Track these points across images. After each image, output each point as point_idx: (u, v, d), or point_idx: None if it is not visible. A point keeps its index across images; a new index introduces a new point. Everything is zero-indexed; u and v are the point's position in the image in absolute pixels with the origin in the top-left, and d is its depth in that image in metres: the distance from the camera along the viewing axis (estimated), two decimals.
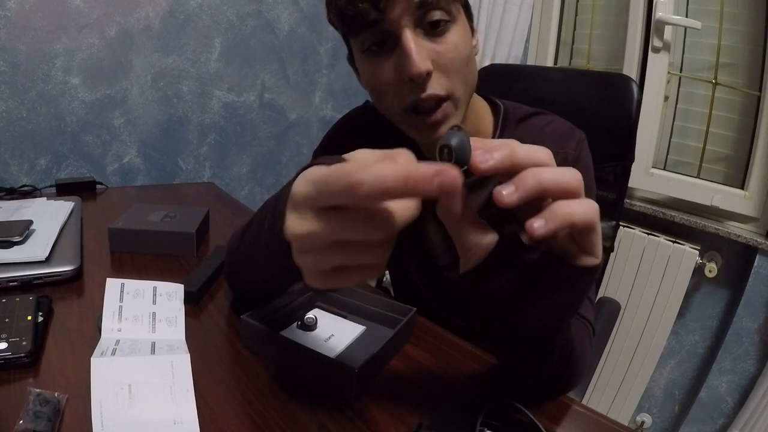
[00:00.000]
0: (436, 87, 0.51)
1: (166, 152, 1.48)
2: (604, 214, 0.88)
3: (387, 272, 1.19)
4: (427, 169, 0.24)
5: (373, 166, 0.24)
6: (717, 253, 1.45)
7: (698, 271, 1.44)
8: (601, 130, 0.81)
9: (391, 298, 0.70)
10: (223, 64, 1.51)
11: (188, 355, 0.48)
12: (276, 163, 1.74)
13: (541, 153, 0.29)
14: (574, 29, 1.79)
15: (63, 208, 0.83)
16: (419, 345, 0.58)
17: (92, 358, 0.44)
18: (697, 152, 1.53)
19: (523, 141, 0.30)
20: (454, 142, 0.27)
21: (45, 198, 0.90)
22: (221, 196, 1.15)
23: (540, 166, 0.29)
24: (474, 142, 0.28)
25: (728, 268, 1.45)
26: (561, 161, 0.30)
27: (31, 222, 0.72)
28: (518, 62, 1.73)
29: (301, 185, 0.29)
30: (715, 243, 1.44)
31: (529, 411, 0.43)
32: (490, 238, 0.31)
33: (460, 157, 0.27)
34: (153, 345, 0.49)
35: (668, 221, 1.50)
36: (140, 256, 0.75)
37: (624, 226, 1.54)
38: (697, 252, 1.41)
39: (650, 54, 1.51)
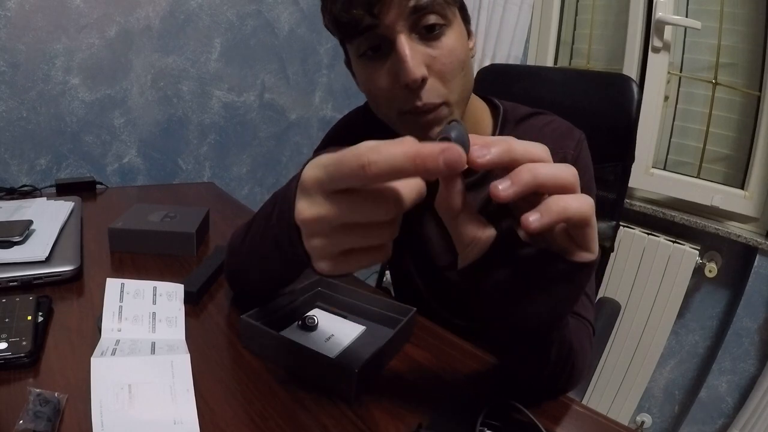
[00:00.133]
0: (431, 94, 0.51)
1: (166, 152, 1.49)
2: (605, 214, 0.88)
3: (387, 272, 1.19)
4: (434, 147, 0.25)
5: (382, 147, 0.26)
6: (717, 253, 1.45)
7: (698, 271, 1.44)
8: (601, 130, 0.81)
9: (391, 298, 0.70)
10: (223, 64, 1.51)
11: (188, 355, 0.48)
12: (276, 163, 1.74)
13: (537, 149, 0.30)
14: (574, 29, 1.79)
15: (63, 208, 0.83)
16: (419, 345, 0.58)
17: (92, 358, 0.44)
18: (697, 152, 1.53)
19: None
20: (453, 134, 0.27)
21: (45, 198, 0.90)
22: (221, 196, 1.15)
23: (536, 162, 0.29)
24: (472, 138, 0.29)
25: (728, 268, 1.45)
26: (560, 161, 0.31)
27: (31, 222, 0.72)
28: (518, 62, 1.73)
29: (312, 170, 0.30)
30: (715, 243, 1.44)
31: (529, 411, 0.43)
32: (488, 233, 0.32)
33: None
34: (153, 345, 0.49)
35: (668, 221, 1.50)
36: (140, 256, 0.75)
37: (624, 226, 1.54)
38: (697, 252, 1.41)
39: (650, 54, 1.51)
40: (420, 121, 0.53)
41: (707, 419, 1.51)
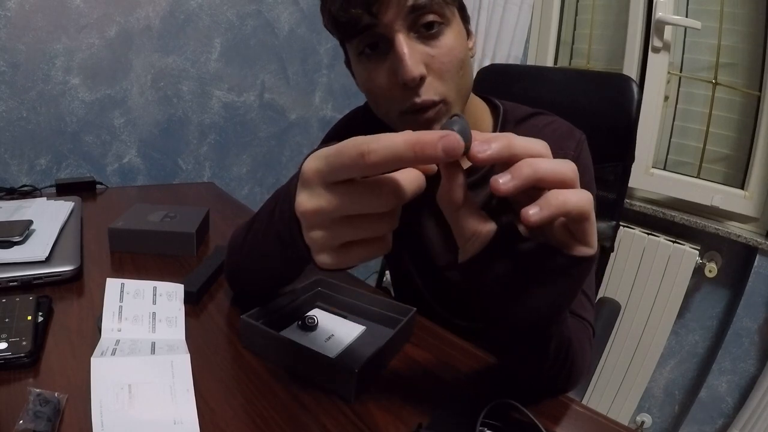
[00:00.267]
0: (430, 92, 0.51)
1: (166, 152, 1.48)
2: (605, 214, 0.88)
3: (387, 272, 1.19)
4: (432, 134, 0.26)
5: (382, 136, 0.26)
6: (717, 253, 1.45)
7: (698, 271, 1.44)
8: (601, 130, 0.81)
9: (391, 298, 0.70)
10: (223, 64, 1.51)
11: (188, 355, 0.48)
12: (276, 163, 1.74)
13: (537, 145, 0.30)
14: (574, 29, 1.79)
15: (63, 208, 0.83)
16: (419, 345, 0.58)
17: (92, 358, 0.44)
18: (697, 152, 1.53)
19: None
20: (455, 128, 0.27)
21: (45, 198, 0.90)
22: (221, 196, 1.15)
23: (537, 157, 0.29)
24: (472, 135, 0.29)
25: (728, 268, 1.45)
26: None
27: (31, 222, 0.72)
28: (518, 62, 1.73)
29: (312, 162, 0.30)
30: (715, 243, 1.44)
31: (528, 411, 0.43)
32: (489, 228, 0.32)
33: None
34: (153, 345, 0.49)
35: (668, 221, 1.50)
36: (140, 256, 0.75)
37: (624, 226, 1.54)
38: (697, 252, 1.41)
39: (650, 54, 1.51)
40: (419, 120, 0.53)
41: (707, 419, 1.51)
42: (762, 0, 1.34)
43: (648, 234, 1.50)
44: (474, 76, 0.61)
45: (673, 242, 1.45)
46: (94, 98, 1.31)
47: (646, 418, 1.66)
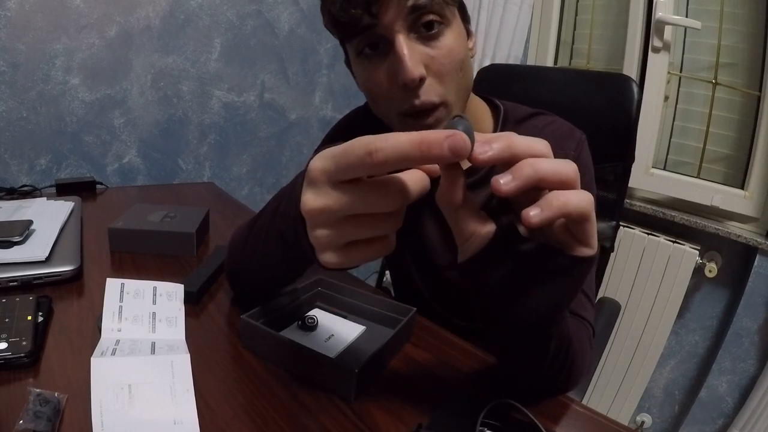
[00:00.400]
0: (430, 93, 0.51)
1: (166, 152, 1.49)
2: (605, 214, 0.88)
3: (387, 272, 1.19)
4: (439, 133, 0.26)
5: (389, 135, 0.26)
6: (717, 253, 1.45)
7: (698, 271, 1.44)
8: (601, 130, 0.81)
9: (391, 298, 0.70)
10: (223, 64, 1.51)
11: (188, 355, 0.48)
12: (276, 163, 1.74)
13: (539, 144, 0.30)
14: (574, 29, 1.79)
15: (63, 208, 0.83)
16: (419, 345, 0.58)
17: (92, 358, 0.44)
18: (697, 152, 1.53)
19: None
20: (460, 128, 0.27)
21: (45, 198, 0.90)
22: (221, 196, 1.15)
23: (538, 157, 0.29)
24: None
25: (728, 268, 1.45)
26: None
27: (31, 222, 0.72)
28: (518, 62, 1.73)
29: (319, 161, 0.30)
30: (715, 243, 1.44)
31: (528, 411, 0.43)
32: (488, 228, 0.32)
33: None
34: (153, 345, 0.49)
35: (668, 221, 1.50)
36: (140, 256, 0.75)
37: (624, 226, 1.54)
38: (697, 252, 1.41)
39: (650, 54, 1.51)
40: (419, 125, 0.53)
41: (707, 419, 1.51)
42: (762, 0, 1.34)
43: (648, 234, 1.50)
44: (474, 76, 0.61)
45: (673, 242, 1.45)
46: (94, 98, 1.31)
47: (646, 418, 1.66)
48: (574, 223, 0.31)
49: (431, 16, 0.49)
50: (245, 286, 0.61)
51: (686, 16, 1.47)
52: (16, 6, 1.15)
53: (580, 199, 0.29)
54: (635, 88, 0.84)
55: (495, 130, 0.65)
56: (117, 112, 1.36)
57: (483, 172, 0.61)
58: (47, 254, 0.64)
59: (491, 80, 1.02)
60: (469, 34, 0.57)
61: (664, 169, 1.60)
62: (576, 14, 1.78)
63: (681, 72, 1.54)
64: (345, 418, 0.44)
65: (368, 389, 0.48)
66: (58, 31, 1.22)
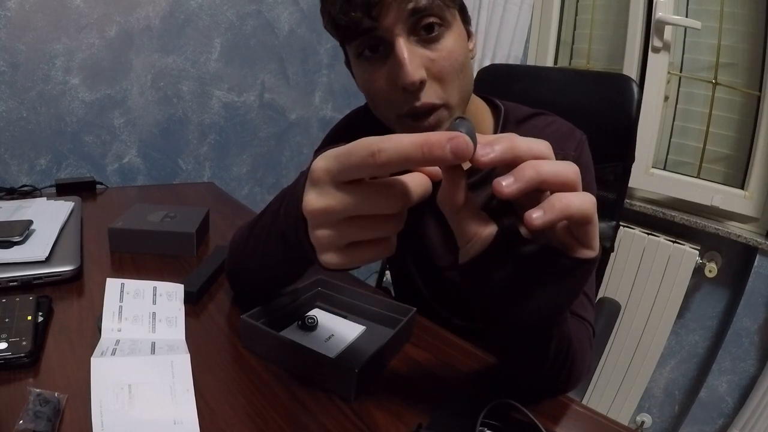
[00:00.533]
0: (430, 95, 0.51)
1: (166, 152, 1.48)
2: (605, 214, 0.88)
3: (387, 272, 1.19)
4: (441, 135, 0.26)
5: (392, 136, 0.27)
6: (717, 253, 1.45)
7: (698, 271, 1.44)
8: (601, 130, 0.81)
9: (391, 298, 0.70)
10: (223, 64, 1.51)
11: (188, 355, 0.48)
12: (276, 163, 1.74)
13: (540, 146, 0.30)
14: (574, 29, 1.79)
15: (63, 208, 0.83)
16: (419, 345, 0.58)
17: (92, 358, 0.44)
18: (697, 152, 1.53)
19: None
20: (462, 130, 0.27)
21: (45, 198, 0.90)
22: (221, 196, 1.15)
23: (539, 159, 0.29)
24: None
25: (728, 268, 1.45)
26: None
27: (31, 222, 0.72)
28: (518, 62, 1.73)
29: (321, 161, 0.30)
30: (715, 243, 1.44)
31: (528, 411, 0.43)
32: (490, 229, 0.32)
33: None
34: (153, 345, 0.49)
35: (668, 221, 1.50)
36: (140, 256, 0.75)
37: (624, 226, 1.54)
38: (697, 252, 1.41)
39: (650, 54, 1.51)
40: (420, 126, 0.53)
41: (707, 419, 1.51)
42: (762, 0, 1.34)
43: (648, 234, 1.50)
44: (474, 77, 0.61)
45: (673, 242, 1.45)
46: (94, 98, 1.31)
47: (646, 418, 1.66)
48: (576, 224, 0.31)
49: (431, 19, 0.49)
50: (245, 287, 0.61)
51: (686, 16, 1.47)
52: (16, 6, 1.15)
53: (583, 201, 0.29)
54: (635, 88, 0.84)
55: (496, 131, 0.65)
56: (117, 112, 1.36)
57: (483, 173, 0.61)
58: (47, 254, 0.64)
59: (491, 80, 1.02)
60: (469, 35, 0.57)
61: (664, 169, 1.60)
62: (576, 14, 1.78)
63: (681, 72, 1.54)
64: (345, 418, 0.44)
65: (368, 389, 0.48)
66: (58, 31, 1.22)
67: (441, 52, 0.51)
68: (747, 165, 1.42)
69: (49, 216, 0.78)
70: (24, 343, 0.46)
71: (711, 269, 1.43)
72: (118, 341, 0.49)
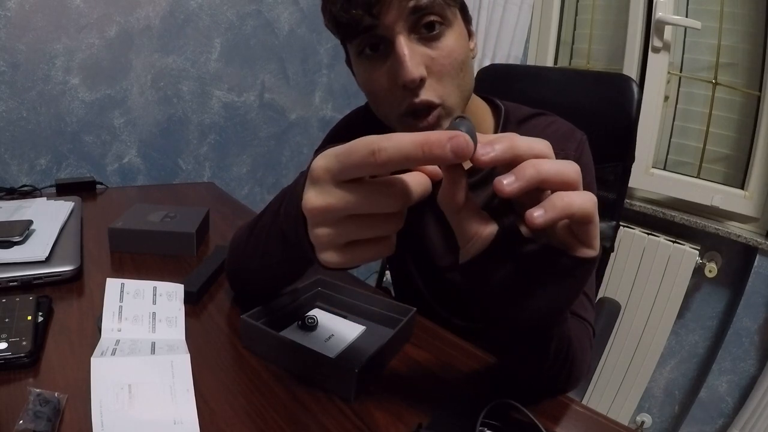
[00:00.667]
0: (429, 93, 0.51)
1: (166, 152, 1.48)
2: (605, 214, 0.88)
3: (387, 272, 1.19)
4: (442, 134, 0.26)
5: (392, 135, 0.27)
6: (717, 253, 1.45)
7: (698, 271, 1.44)
8: (601, 130, 0.81)
9: (391, 298, 0.70)
10: (223, 64, 1.51)
11: (188, 355, 0.48)
12: (276, 163, 1.74)
13: (540, 145, 0.30)
14: (574, 29, 1.79)
15: (63, 208, 0.83)
16: (419, 345, 0.58)
17: (92, 358, 0.44)
18: (697, 152, 1.53)
19: None
20: (462, 129, 0.27)
21: (45, 198, 0.90)
22: (221, 196, 1.15)
23: (540, 158, 0.29)
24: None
25: (728, 268, 1.45)
26: None
27: (31, 222, 0.72)
28: (518, 62, 1.73)
29: (322, 160, 0.30)
30: (715, 243, 1.44)
31: (528, 411, 0.43)
32: (490, 229, 0.32)
33: None
34: (153, 345, 0.49)
35: (668, 221, 1.50)
36: (140, 256, 0.75)
37: (624, 226, 1.54)
38: (697, 252, 1.41)
39: (650, 54, 1.51)
40: (419, 124, 0.53)
41: (707, 419, 1.51)
42: (762, 0, 1.34)
43: (648, 234, 1.50)
44: (474, 77, 0.61)
45: (673, 242, 1.45)
46: (94, 98, 1.31)
47: (646, 418, 1.66)
48: (577, 224, 0.31)
49: (432, 17, 0.49)
50: (246, 287, 0.61)
51: (686, 16, 1.47)
52: (16, 6, 1.15)
53: (584, 200, 0.29)
54: (635, 88, 0.84)
55: (496, 131, 0.65)
56: (117, 112, 1.36)
57: (484, 173, 0.61)
58: (47, 254, 0.64)
59: (491, 80, 1.02)
60: (470, 34, 0.57)
61: (664, 169, 1.60)
62: (576, 14, 1.78)
63: (681, 72, 1.54)
64: (345, 418, 0.44)
65: (368, 389, 0.48)
66: (58, 31, 1.22)
67: (441, 51, 0.51)
68: (747, 165, 1.42)
69: (49, 216, 0.78)
70: (24, 343, 0.46)
71: (711, 269, 1.43)
72: (118, 341, 0.49)
